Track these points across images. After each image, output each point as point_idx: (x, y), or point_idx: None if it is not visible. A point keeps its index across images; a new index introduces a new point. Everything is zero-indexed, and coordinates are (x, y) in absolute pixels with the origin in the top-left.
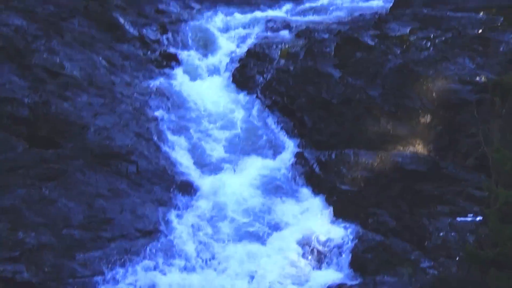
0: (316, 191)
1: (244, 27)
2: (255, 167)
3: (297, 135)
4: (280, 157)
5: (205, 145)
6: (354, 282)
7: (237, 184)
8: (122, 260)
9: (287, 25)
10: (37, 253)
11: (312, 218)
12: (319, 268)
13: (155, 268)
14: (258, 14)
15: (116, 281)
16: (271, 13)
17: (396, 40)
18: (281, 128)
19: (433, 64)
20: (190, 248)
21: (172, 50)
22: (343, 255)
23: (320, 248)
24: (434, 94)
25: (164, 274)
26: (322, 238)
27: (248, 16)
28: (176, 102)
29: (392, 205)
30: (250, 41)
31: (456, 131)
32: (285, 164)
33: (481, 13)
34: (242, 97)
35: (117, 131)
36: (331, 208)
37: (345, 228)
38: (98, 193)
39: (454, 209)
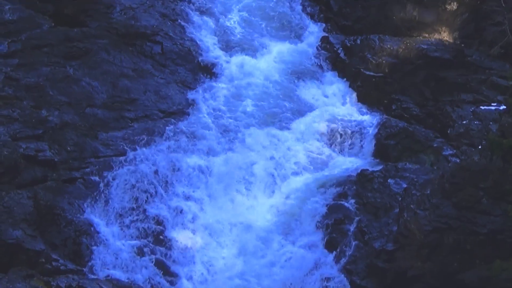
0: (341, 76)
1: None
2: (280, 50)
3: (322, 20)
4: (305, 41)
5: (231, 28)
6: (376, 168)
7: (262, 67)
8: (145, 140)
9: None
10: (60, 132)
11: (335, 103)
12: (342, 153)
13: (178, 149)
14: None
15: (138, 161)
16: None
17: None
18: (307, 12)
19: None
20: (213, 130)
21: None
22: (366, 141)
23: (343, 133)
24: None
25: (187, 155)
26: (346, 123)
27: None
28: None
29: (416, 92)
30: None
31: (482, 19)
32: (310, 48)
33: None
34: None
35: (143, 11)
36: (355, 94)
37: (369, 114)
38: (122, 73)
39: (478, 97)
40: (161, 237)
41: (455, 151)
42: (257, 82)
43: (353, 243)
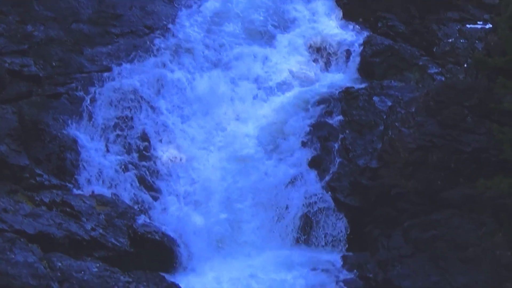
0: None
1: None
2: None
3: None
4: None
5: None
6: (361, 86)
7: None
8: (130, 56)
9: None
10: (45, 47)
11: (321, 20)
12: (327, 70)
13: (163, 65)
14: None
15: (123, 77)
16: None
17: None
18: None
19: None
20: (198, 47)
21: None
22: (351, 59)
23: (329, 51)
24: None
25: (172, 71)
26: (331, 41)
27: None
28: None
29: (402, 9)
30: None
31: None
32: None
33: None
34: None
35: None
36: (341, 11)
37: (354, 31)
38: None
39: (464, 15)
40: (145, 152)
41: (440, 69)
42: None
43: (337, 160)
